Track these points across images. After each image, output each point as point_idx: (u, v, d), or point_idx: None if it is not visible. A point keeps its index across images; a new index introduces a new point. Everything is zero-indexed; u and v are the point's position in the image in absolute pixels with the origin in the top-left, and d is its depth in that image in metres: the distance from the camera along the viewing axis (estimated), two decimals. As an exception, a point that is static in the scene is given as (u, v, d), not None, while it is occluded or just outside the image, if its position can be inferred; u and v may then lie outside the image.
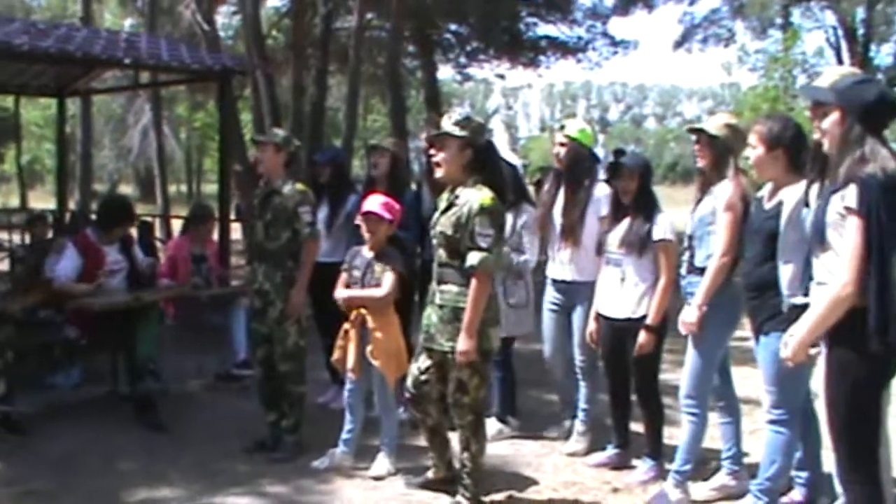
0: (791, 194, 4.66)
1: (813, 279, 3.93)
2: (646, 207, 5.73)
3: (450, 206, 5.12)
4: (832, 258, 3.79)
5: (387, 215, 5.80)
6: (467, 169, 5.11)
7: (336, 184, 7.44)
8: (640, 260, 5.70)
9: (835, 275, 3.72)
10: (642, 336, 5.64)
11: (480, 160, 5.12)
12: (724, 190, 5.19)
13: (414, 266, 6.69)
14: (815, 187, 4.22)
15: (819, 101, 3.97)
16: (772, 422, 4.91)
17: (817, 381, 4.42)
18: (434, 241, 5.25)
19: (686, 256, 5.50)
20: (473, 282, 4.93)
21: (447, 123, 5.13)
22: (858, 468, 3.84)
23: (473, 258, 4.92)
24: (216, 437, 6.62)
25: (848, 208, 3.65)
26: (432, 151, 5.30)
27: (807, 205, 4.39)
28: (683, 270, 5.51)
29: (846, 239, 3.66)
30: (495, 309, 5.23)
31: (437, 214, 5.26)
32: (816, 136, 4.04)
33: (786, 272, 4.60)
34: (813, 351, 3.96)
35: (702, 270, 5.25)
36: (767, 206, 4.84)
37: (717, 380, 5.48)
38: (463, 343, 4.95)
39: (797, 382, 4.86)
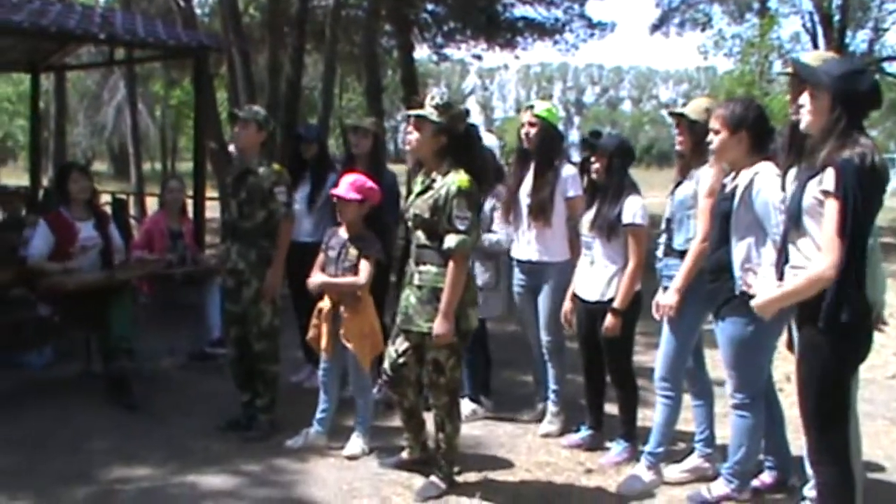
0: (743, 176, 4.68)
1: (788, 262, 3.94)
2: (615, 190, 5.71)
3: (426, 188, 5.11)
4: (808, 244, 3.81)
5: (354, 195, 5.76)
6: (440, 154, 5.10)
7: (319, 162, 7.41)
8: (609, 243, 5.71)
9: (812, 259, 3.75)
10: (609, 319, 5.66)
11: (456, 147, 5.10)
12: (706, 175, 5.19)
13: (393, 248, 6.67)
14: (793, 172, 4.24)
15: (807, 80, 3.95)
16: (735, 406, 4.98)
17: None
18: (409, 224, 5.24)
19: (663, 239, 5.50)
20: (451, 264, 4.93)
21: (427, 106, 5.10)
22: (828, 449, 3.88)
23: (451, 240, 4.92)
24: (189, 416, 6.60)
25: (825, 192, 3.66)
26: (409, 129, 5.27)
27: (783, 188, 4.41)
28: (660, 253, 5.51)
29: (825, 222, 3.67)
30: (474, 290, 5.23)
31: (411, 197, 5.25)
32: (793, 117, 4.05)
33: (738, 253, 4.63)
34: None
35: (681, 254, 5.26)
36: (727, 190, 4.85)
37: (690, 362, 5.50)
38: (439, 325, 4.95)
39: (757, 366, 4.93)
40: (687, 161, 5.42)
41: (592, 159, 5.81)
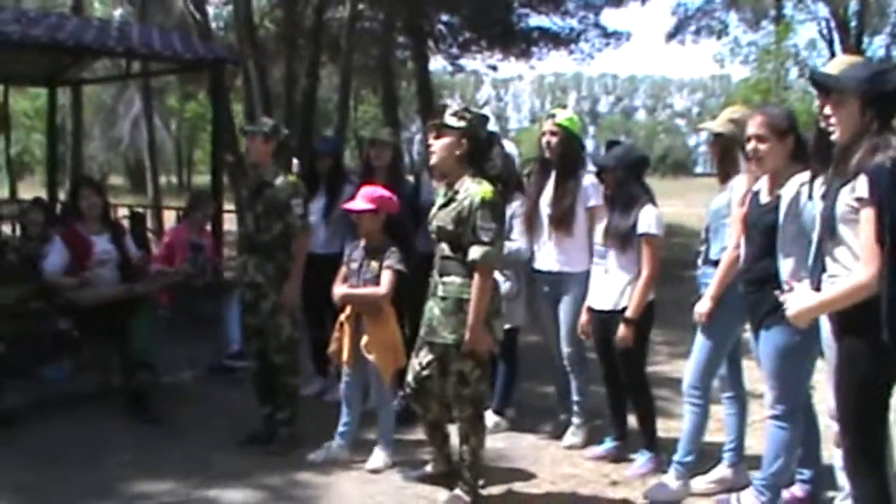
0: (788, 187, 4.62)
1: (825, 272, 3.86)
2: (623, 201, 5.71)
3: (449, 200, 5.07)
4: (844, 252, 3.73)
5: (367, 206, 5.73)
6: (462, 161, 5.07)
7: (334, 174, 7.38)
8: (623, 253, 5.70)
9: (850, 268, 3.67)
10: (621, 329, 5.64)
11: (478, 153, 5.07)
12: (740, 184, 5.15)
13: (414, 259, 6.63)
14: (820, 179, 4.17)
15: (832, 89, 3.88)
16: (774, 417, 4.87)
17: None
18: (433, 235, 5.20)
19: (703, 248, 5.51)
20: (476, 276, 4.90)
21: (447, 116, 5.10)
22: (866, 461, 3.80)
23: (476, 252, 4.88)
24: (210, 430, 6.56)
25: (860, 199, 3.59)
26: (430, 140, 5.24)
27: (810, 197, 4.35)
28: (700, 261, 5.52)
29: (862, 230, 3.60)
30: (498, 301, 5.19)
31: (434, 209, 5.21)
32: (822, 123, 3.98)
33: (786, 266, 4.56)
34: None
35: (716, 263, 5.24)
36: (765, 199, 4.79)
37: (724, 370, 5.45)
38: (471, 337, 4.93)
39: (799, 377, 4.84)
40: (722, 172, 5.41)
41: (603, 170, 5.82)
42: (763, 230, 4.73)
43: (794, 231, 4.51)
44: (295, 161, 8.56)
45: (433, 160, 5.21)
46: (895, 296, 3.52)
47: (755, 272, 4.80)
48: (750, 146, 4.76)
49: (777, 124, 4.69)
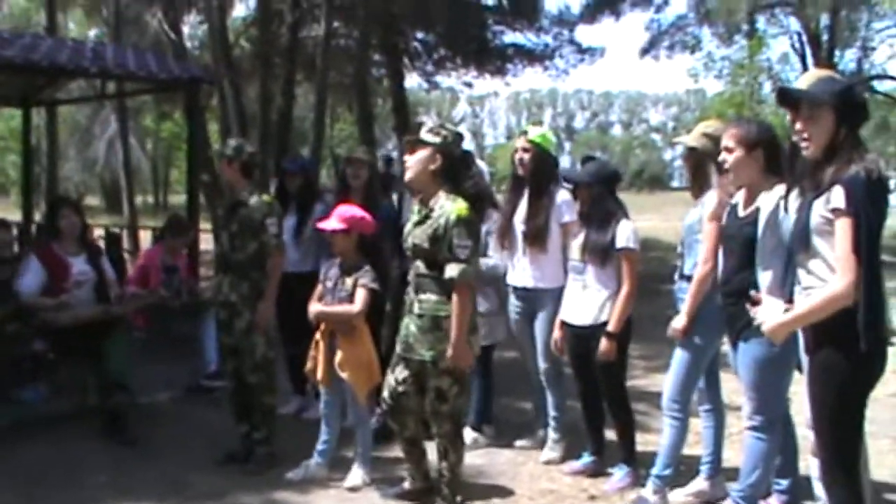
0: (767, 199, 4.64)
1: (797, 284, 3.89)
2: (599, 216, 5.74)
3: (424, 217, 5.08)
4: (819, 264, 3.76)
5: (337, 225, 5.75)
6: (437, 176, 5.09)
7: (304, 193, 7.39)
8: (602, 269, 5.72)
9: (825, 280, 3.70)
10: (603, 343, 5.65)
11: (453, 169, 5.10)
12: (711, 199, 5.18)
13: (388, 277, 6.63)
14: (795, 192, 4.21)
15: (806, 102, 3.90)
16: (752, 428, 4.90)
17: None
18: (409, 253, 5.21)
19: (679, 262, 5.53)
20: (455, 295, 4.92)
21: (423, 132, 5.13)
22: (841, 470, 3.82)
23: (453, 270, 4.90)
24: (186, 450, 6.53)
25: (836, 210, 3.61)
26: (406, 157, 5.25)
27: (786, 210, 4.38)
28: (676, 277, 5.54)
29: (838, 240, 3.62)
30: (474, 317, 5.19)
31: (409, 226, 5.22)
32: (795, 138, 4.02)
33: (765, 279, 4.58)
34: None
35: (690, 278, 5.26)
36: (743, 212, 4.82)
37: (702, 384, 5.47)
38: (455, 354, 4.96)
39: (777, 389, 4.87)
40: (695, 187, 5.44)
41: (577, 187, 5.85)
42: (742, 242, 4.76)
43: (773, 244, 4.53)
44: (273, 181, 8.55)
45: (407, 176, 5.22)
46: (872, 304, 3.55)
47: (733, 284, 4.82)
48: (720, 157, 4.82)
49: (744, 136, 4.73)
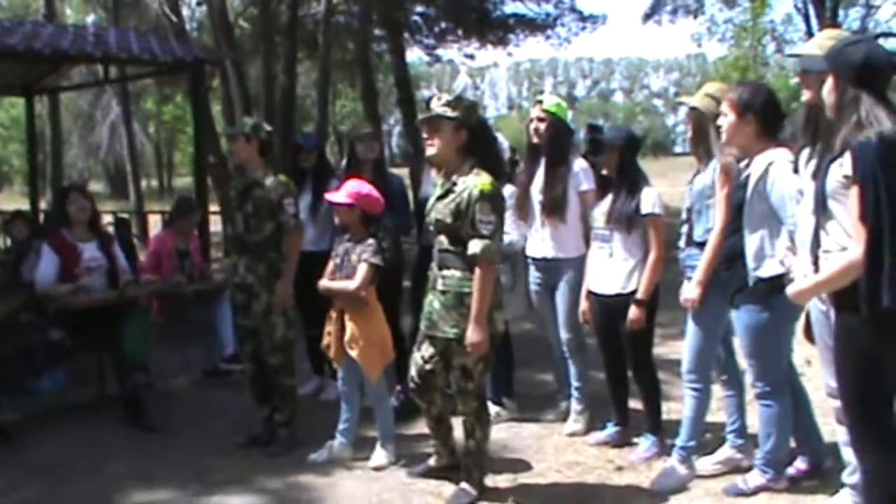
0: (757, 164, 4.61)
1: (820, 247, 3.83)
2: (629, 182, 5.66)
3: (447, 192, 4.98)
4: (835, 227, 3.70)
5: (343, 199, 5.68)
6: (462, 151, 4.98)
7: (319, 169, 7.33)
8: (628, 235, 5.64)
9: (842, 243, 3.64)
10: (633, 311, 5.59)
11: (476, 141, 5.00)
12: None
13: (401, 252, 6.57)
14: (806, 152, 4.16)
15: (809, 70, 3.88)
16: (758, 395, 4.92)
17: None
18: (431, 228, 5.13)
19: (685, 229, 5.42)
20: (478, 270, 4.81)
21: (437, 105, 4.98)
22: (872, 437, 3.75)
23: (476, 246, 4.79)
24: (208, 434, 6.51)
25: (846, 177, 3.56)
26: (425, 136, 5.10)
27: (795, 171, 4.34)
28: (682, 243, 5.44)
29: (850, 207, 3.57)
30: (499, 293, 5.10)
31: (432, 200, 5.13)
32: (805, 98, 3.97)
33: (751, 243, 4.57)
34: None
35: (701, 244, 5.18)
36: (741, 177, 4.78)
37: (721, 352, 5.42)
38: (473, 334, 4.83)
39: (775, 353, 4.87)
40: (697, 149, 5.35)
41: (600, 153, 5.75)
42: (733, 207, 4.75)
43: (762, 209, 4.53)
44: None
45: (431, 153, 5.06)
46: (873, 271, 3.47)
47: (726, 248, 4.83)
48: (718, 121, 4.80)
49: (736, 100, 4.68)
